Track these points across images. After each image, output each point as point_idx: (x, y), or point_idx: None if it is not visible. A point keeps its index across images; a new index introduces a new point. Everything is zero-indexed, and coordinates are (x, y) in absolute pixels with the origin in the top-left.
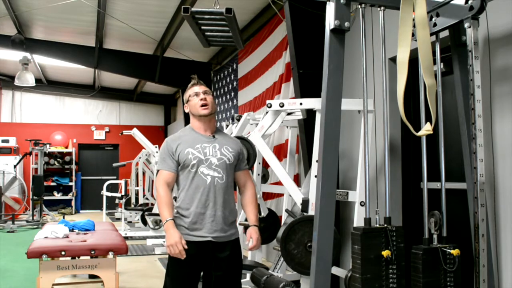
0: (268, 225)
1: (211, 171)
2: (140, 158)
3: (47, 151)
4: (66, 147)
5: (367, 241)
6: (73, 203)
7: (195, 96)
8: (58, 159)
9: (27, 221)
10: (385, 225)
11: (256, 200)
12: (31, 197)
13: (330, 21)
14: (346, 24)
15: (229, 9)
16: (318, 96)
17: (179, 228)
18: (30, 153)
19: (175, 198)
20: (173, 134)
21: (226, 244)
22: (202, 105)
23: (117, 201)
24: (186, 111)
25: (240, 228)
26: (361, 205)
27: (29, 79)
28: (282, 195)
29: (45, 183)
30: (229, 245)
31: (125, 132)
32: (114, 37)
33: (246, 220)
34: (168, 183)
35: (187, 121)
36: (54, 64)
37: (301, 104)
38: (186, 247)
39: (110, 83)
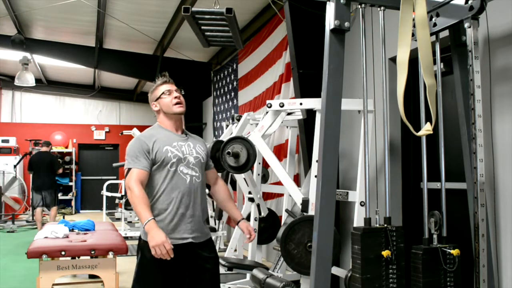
0: (268, 225)
1: (189, 170)
2: None
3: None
4: (66, 147)
5: (367, 241)
6: (73, 203)
7: (169, 94)
8: (58, 159)
9: (27, 221)
10: (385, 225)
11: (230, 195)
12: (31, 197)
13: (330, 21)
14: (346, 24)
15: (229, 9)
16: (318, 96)
17: None
18: (30, 153)
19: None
20: (144, 132)
21: (204, 244)
22: (177, 103)
23: (117, 201)
24: (155, 109)
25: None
26: (361, 205)
27: (29, 79)
28: (282, 195)
29: None
30: (207, 244)
31: (125, 132)
32: (114, 37)
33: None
34: (142, 182)
35: (187, 121)
36: (54, 64)
37: (301, 104)
38: (172, 246)
39: (110, 83)
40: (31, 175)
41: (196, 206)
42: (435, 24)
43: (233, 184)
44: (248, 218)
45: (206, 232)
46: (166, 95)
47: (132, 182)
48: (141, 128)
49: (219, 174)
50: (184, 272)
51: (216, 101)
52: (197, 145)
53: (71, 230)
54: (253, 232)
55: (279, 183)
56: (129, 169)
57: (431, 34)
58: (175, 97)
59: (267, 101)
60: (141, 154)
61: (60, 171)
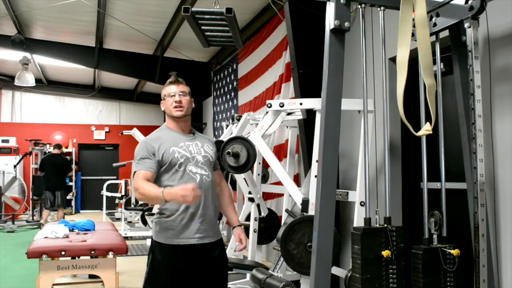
0: (268, 225)
1: (198, 169)
2: None
3: (47, 151)
4: (66, 147)
5: (367, 241)
6: (73, 203)
7: (170, 96)
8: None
9: (27, 221)
10: (385, 225)
11: (232, 199)
12: (31, 197)
13: (330, 21)
14: (346, 24)
15: (229, 9)
16: (318, 96)
17: (165, 233)
18: (30, 153)
19: None
20: (150, 135)
21: (214, 244)
22: (176, 106)
23: (117, 201)
24: (162, 108)
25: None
26: (361, 205)
27: (29, 79)
28: (282, 195)
29: None
30: (217, 244)
31: (125, 132)
32: (114, 37)
33: (245, 220)
34: (148, 180)
35: None
36: (54, 64)
37: (301, 104)
38: (194, 185)
39: (110, 83)
40: (42, 176)
41: (207, 205)
42: (435, 24)
43: (233, 184)
44: (248, 218)
45: (217, 231)
46: (168, 97)
47: (138, 183)
48: (141, 128)
49: None
50: (194, 272)
51: (216, 101)
52: (205, 144)
53: (71, 230)
54: (244, 242)
55: (279, 183)
56: (135, 173)
57: (431, 34)
58: (175, 101)
59: (267, 101)
60: (145, 156)
61: (70, 173)
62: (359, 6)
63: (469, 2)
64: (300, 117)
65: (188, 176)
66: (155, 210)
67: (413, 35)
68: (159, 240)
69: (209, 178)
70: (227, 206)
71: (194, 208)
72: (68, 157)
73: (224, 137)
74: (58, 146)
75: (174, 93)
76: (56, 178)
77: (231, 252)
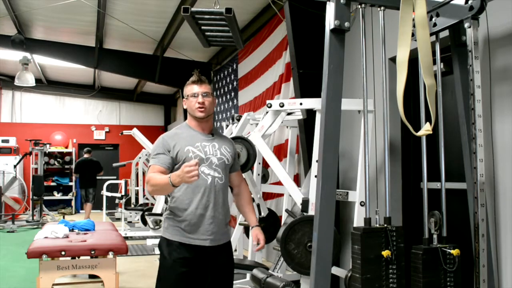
0: (268, 225)
1: (211, 171)
2: (140, 158)
3: (47, 151)
4: (66, 147)
5: (367, 241)
6: (73, 203)
7: (193, 96)
8: (58, 159)
9: (27, 221)
10: (385, 225)
11: (251, 200)
12: (31, 197)
13: (330, 21)
14: (346, 24)
15: (229, 9)
16: (318, 96)
17: (174, 230)
18: (30, 153)
19: (168, 197)
20: (169, 131)
21: (222, 247)
22: (199, 107)
23: (117, 201)
24: (184, 107)
25: (240, 228)
26: (361, 205)
27: (29, 79)
28: (282, 195)
29: (45, 183)
30: (225, 248)
31: (125, 132)
32: (114, 37)
33: (245, 220)
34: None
35: None
36: (54, 64)
37: (301, 104)
38: (195, 161)
39: (110, 83)
40: (77, 176)
41: (217, 208)
42: (435, 24)
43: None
44: None
45: (226, 235)
46: (191, 97)
47: (148, 175)
48: (141, 128)
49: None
50: (200, 272)
51: (216, 101)
52: (223, 146)
53: (71, 230)
54: (262, 241)
55: (279, 183)
56: (149, 167)
57: (431, 34)
58: (198, 102)
59: (267, 101)
60: (161, 152)
61: (102, 173)
62: (359, 6)
63: (469, 2)
64: (300, 117)
65: (199, 177)
66: (157, 210)
67: (413, 35)
68: (166, 236)
69: (222, 180)
70: (246, 207)
71: (202, 210)
72: (67, 157)
73: None
74: (89, 151)
75: (197, 94)
76: (90, 178)
77: (234, 253)
